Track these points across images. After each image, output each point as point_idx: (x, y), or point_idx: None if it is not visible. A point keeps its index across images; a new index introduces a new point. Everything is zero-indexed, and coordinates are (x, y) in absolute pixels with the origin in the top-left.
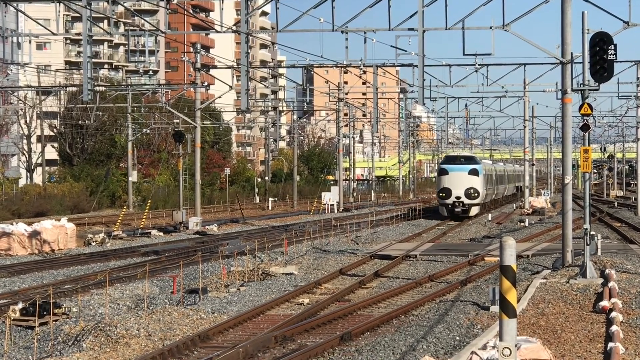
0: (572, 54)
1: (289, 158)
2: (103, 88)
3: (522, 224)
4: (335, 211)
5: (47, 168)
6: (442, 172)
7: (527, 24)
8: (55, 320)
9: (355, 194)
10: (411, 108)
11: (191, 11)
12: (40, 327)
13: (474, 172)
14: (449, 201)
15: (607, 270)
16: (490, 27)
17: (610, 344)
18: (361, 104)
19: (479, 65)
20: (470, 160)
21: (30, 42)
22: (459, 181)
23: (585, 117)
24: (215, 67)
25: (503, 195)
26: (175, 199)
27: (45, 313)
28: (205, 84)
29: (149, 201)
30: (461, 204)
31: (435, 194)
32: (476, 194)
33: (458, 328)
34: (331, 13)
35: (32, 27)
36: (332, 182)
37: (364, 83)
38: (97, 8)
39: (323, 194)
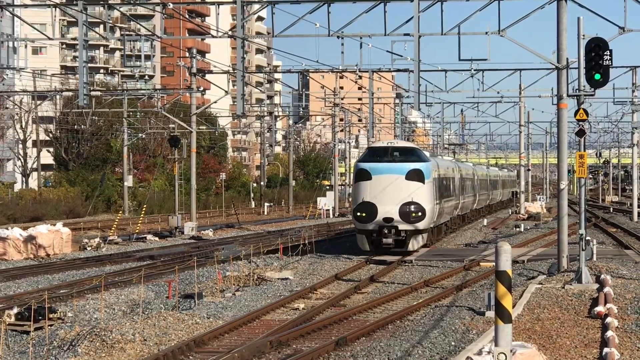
0: (567, 59)
1: (285, 163)
2: (99, 93)
3: (517, 229)
4: (331, 216)
5: (42, 173)
6: (362, 175)
7: (522, 29)
8: (51, 325)
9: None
10: (407, 113)
11: (187, 16)
12: (35, 332)
13: (415, 176)
14: (372, 226)
15: (602, 276)
16: (486, 33)
17: (606, 350)
18: (357, 109)
19: (474, 70)
20: (409, 155)
21: (26, 46)
22: (389, 191)
23: (580, 123)
24: (211, 72)
25: (473, 208)
26: (170, 203)
27: (40, 318)
28: (201, 88)
29: (145, 206)
30: (393, 231)
31: (351, 213)
32: (419, 213)
33: (453, 333)
34: (327, 18)
35: (28, 31)
36: (327, 187)
37: (359, 88)
38: (93, 13)
39: (319, 199)
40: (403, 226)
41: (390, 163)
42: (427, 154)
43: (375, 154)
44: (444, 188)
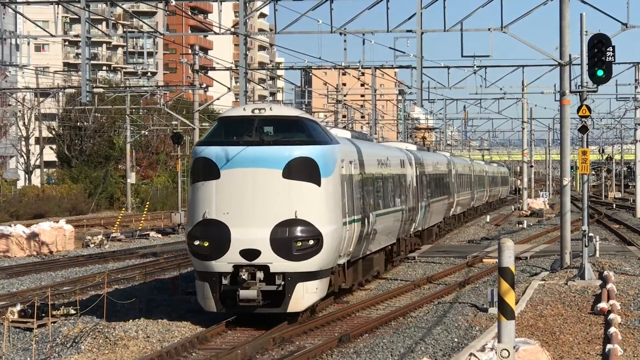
0: (570, 55)
1: None
2: (101, 90)
3: (520, 225)
4: None
5: (45, 170)
6: (202, 170)
7: (525, 25)
8: (54, 322)
9: None
10: (409, 110)
11: (189, 13)
12: (38, 329)
13: (303, 171)
14: (222, 265)
15: (605, 272)
16: (489, 29)
17: (609, 346)
18: (360, 105)
19: (477, 67)
20: (292, 131)
21: (28, 43)
22: (253, 200)
23: (583, 119)
24: (213, 68)
25: (449, 215)
26: (173, 200)
27: (43, 315)
28: (204, 85)
29: (147, 203)
30: (261, 275)
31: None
32: (311, 242)
33: (456, 330)
34: (329, 15)
35: (30, 28)
36: None
37: (362, 85)
38: (95, 10)
39: None
40: (279, 266)
41: (255, 147)
42: (335, 131)
43: (230, 130)
44: (378, 191)
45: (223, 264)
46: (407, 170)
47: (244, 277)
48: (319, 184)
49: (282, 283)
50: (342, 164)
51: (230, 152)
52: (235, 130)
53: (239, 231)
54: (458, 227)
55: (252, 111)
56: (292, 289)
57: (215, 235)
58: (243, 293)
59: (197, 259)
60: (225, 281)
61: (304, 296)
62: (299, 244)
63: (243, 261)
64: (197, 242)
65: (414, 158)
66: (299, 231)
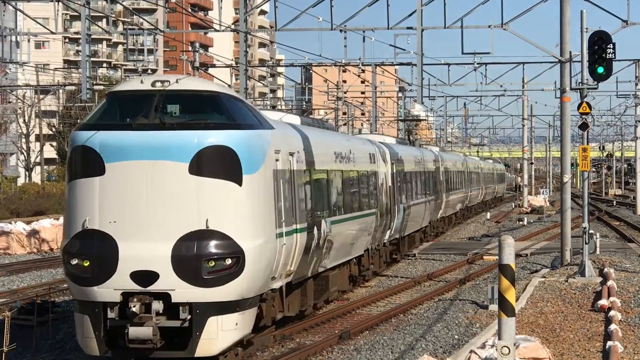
0: (570, 52)
1: None
2: (102, 87)
3: (520, 222)
4: None
5: (45, 167)
6: (83, 164)
7: (526, 22)
8: (55, 319)
9: None
10: (410, 107)
11: (190, 10)
12: (39, 326)
13: (218, 165)
14: (106, 293)
15: (605, 269)
16: (489, 26)
17: (609, 343)
18: (360, 102)
19: (477, 64)
20: (205, 111)
21: (29, 41)
22: (150, 204)
23: (584, 116)
24: (214, 66)
25: (437, 218)
26: None
27: (44, 312)
28: None
29: None
30: (160, 307)
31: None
32: (228, 261)
33: (457, 327)
34: (330, 12)
35: (30, 26)
36: None
37: (362, 82)
38: (95, 7)
39: None
40: (184, 294)
41: (154, 132)
42: (278, 115)
43: (122, 109)
44: (334, 192)
45: (108, 291)
46: (380, 166)
47: (134, 309)
48: (239, 182)
49: (189, 317)
50: (277, 155)
51: (120, 138)
52: (129, 110)
53: (130, 246)
54: (457, 226)
55: (153, 84)
56: (202, 325)
57: (97, 252)
58: (133, 331)
59: (75, 284)
60: (111, 314)
61: (218, 335)
62: (212, 264)
63: (135, 287)
64: (74, 261)
65: (390, 153)
66: (211, 246)
